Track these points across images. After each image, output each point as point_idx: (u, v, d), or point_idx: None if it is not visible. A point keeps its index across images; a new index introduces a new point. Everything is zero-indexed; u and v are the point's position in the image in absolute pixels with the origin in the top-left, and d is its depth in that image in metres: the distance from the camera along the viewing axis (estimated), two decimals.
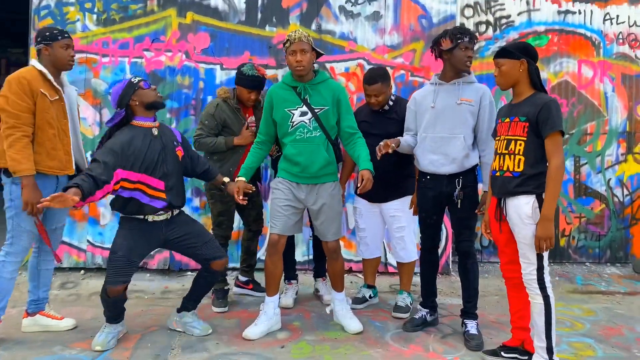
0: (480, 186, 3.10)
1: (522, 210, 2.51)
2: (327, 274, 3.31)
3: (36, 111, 2.71)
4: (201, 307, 3.22)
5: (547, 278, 2.52)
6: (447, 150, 3.01)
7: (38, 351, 2.73)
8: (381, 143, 3.00)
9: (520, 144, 2.53)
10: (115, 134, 2.76)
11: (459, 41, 3.00)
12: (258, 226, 3.73)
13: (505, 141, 2.60)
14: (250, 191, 3.02)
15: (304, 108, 3.01)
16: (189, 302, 3.03)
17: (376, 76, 3.32)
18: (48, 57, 2.81)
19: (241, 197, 2.94)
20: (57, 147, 2.79)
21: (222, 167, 3.36)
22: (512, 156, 2.56)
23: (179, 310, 3.06)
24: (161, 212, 2.80)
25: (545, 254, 2.51)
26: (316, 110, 3.02)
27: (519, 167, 2.53)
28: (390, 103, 3.43)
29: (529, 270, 2.53)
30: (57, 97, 2.81)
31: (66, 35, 2.85)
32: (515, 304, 2.73)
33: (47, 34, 2.81)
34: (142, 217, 2.77)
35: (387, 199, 3.41)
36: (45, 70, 2.77)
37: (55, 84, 2.80)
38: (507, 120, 2.62)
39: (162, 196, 2.78)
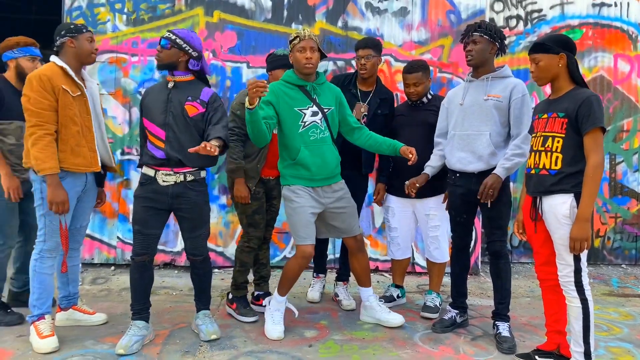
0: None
1: (558, 209, 2.42)
2: (353, 273, 3.24)
3: (59, 108, 2.70)
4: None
5: (586, 280, 2.42)
6: (474, 147, 2.95)
7: (70, 345, 2.78)
8: (407, 183, 3.14)
9: (558, 141, 2.44)
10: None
11: (463, 41, 3.03)
12: (268, 233, 3.43)
13: (542, 138, 2.51)
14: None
15: (315, 108, 2.97)
16: (196, 302, 3.01)
17: (417, 65, 3.34)
18: (73, 50, 2.80)
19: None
20: (81, 143, 2.77)
21: (250, 164, 3.20)
22: (549, 153, 2.47)
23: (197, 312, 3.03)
24: (170, 170, 2.77)
25: (583, 256, 2.42)
26: (325, 111, 3.00)
27: (556, 164, 2.44)
28: (429, 97, 3.42)
29: (565, 272, 2.44)
30: (79, 93, 2.78)
31: (89, 29, 2.88)
32: (551, 306, 2.63)
33: (72, 26, 2.82)
34: (152, 174, 2.78)
35: (423, 195, 3.34)
36: (66, 66, 2.75)
37: (76, 79, 2.77)
38: (545, 116, 2.53)
39: (161, 145, 2.77)
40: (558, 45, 2.47)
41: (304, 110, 2.95)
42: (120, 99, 4.37)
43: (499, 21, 4.80)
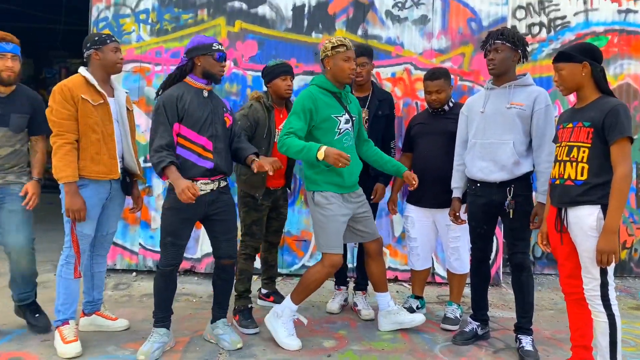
0: (534, 195, 2.96)
1: (585, 221, 2.38)
2: (370, 279, 3.23)
3: (79, 117, 2.76)
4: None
5: (612, 295, 2.37)
6: (496, 156, 2.90)
7: (92, 350, 2.82)
8: (450, 217, 3.18)
9: (584, 151, 2.40)
10: (168, 90, 2.78)
11: (484, 49, 2.99)
12: (277, 238, 3.57)
13: (567, 148, 2.46)
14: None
15: (347, 115, 3.01)
16: (215, 309, 2.99)
17: (438, 73, 3.33)
18: (99, 62, 2.86)
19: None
20: (101, 151, 2.81)
21: (256, 175, 3.17)
22: (574, 163, 2.42)
23: (212, 322, 3.01)
24: (208, 179, 2.77)
25: (610, 270, 2.36)
26: (353, 119, 3.06)
27: (582, 175, 2.39)
28: (450, 104, 3.40)
29: (591, 286, 2.39)
30: (102, 101, 2.83)
31: (114, 39, 2.92)
32: (576, 320, 2.57)
33: (97, 38, 2.88)
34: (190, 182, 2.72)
35: (443, 205, 3.31)
36: (89, 76, 2.82)
37: (99, 88, 2.82)
38: (570, 125, 2.49)
39: (210, 157, 2.76)
40: (582, 54, 2.43)
41: (339, 118, 2.98)
42: (144, 108, 4.45)
43: (522, 28, 4.74)
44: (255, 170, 2.81)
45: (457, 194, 3.17)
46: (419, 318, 3.19)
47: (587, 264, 2.39)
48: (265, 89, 3.43)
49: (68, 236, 2.84)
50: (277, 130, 3.30)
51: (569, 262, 2.54)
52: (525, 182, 2.93)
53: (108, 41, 2.88)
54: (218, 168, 2.79)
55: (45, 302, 3.23)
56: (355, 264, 3.87)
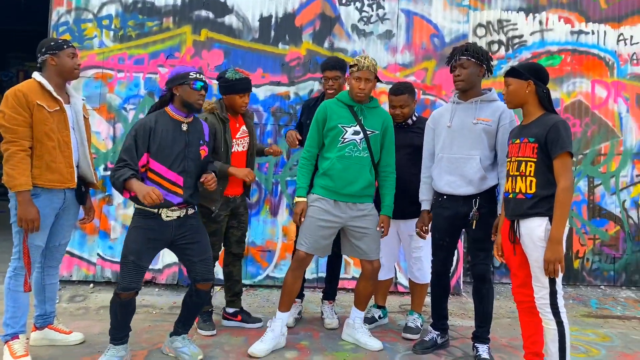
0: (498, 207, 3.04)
1: (534, 232, 2.47)
2: (355, 292, 3.26)
3: (33, 123, 2.66)
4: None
5: (561, 303, 2.47)
6: (463, 171, 2.95)
7: None
8: (417, 230, 3.20)
9: (530, 165, 2.51)
10: (150, 114, 2.77)
11: (450, 65, 3.05)
12: (240, 249, 3.45)
13: (517, 163, 2.58)
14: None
15: (357, 128, 3.06)
16: (179, 325, 2.93)
17: (403, 87, 3.39)
18: (54, 67, 2.78)
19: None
20: (57, 159, 2.72)
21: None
22: (524, 178, 2.53)
23: (171, 335, 2.96)
24: (175, 208, 2.74)
25: (559, 279, 2.46)
26: (368, 133, 3.07)
27: (531, 188, 2.51)
28: (414, 118, 3.45)
29: (541, 294, 2.48)
30: (58, 108, 2.75)
31: (71, 44, 2.84)
32: (528, 328, 2.66)
33: (53, 43, 2.79)
34: (155, 211, 2.69)
35: (407, 216, 3.36)
36: (44, 82, 2.73)
37: (55, 94, 2.74)
38: (518, 141, 2.60)
39: (179, 192, 2.73)
40: (529, 73, 2.58)
41: (346, 128, 3.05)
42: (105, 115, 4.35)
43: (482, 46, 4.91)
44: (207, 188, 2.80)
45: (426, 206, 3.19)
46: (373, 345, 3.14)
47: (537, 273, 2.49)
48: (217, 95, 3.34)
49: (17, 247, 2.74)
50: (233, 139, 3.27)
51: (521, 272, 2.63)
52: (490, 195, 2.99)
53: (65, 46, 2.80)
54: (186, 201, 2.77)
55: None
56: (320, 274, 3.90)
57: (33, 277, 2.88)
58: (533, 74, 2.58)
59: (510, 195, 2.60)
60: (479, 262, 3.00)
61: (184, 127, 2.78)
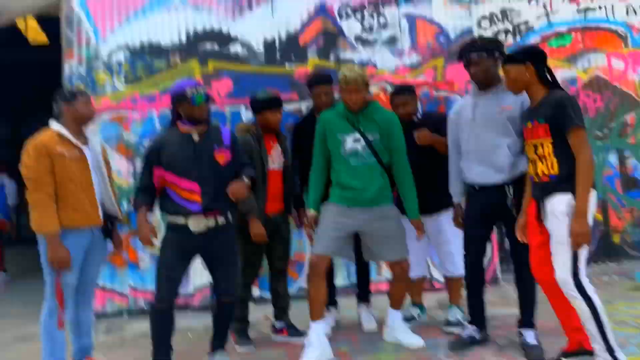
0: None
1: (557, 207, 2.42)
2: (389, 293, 3.22)
3: (55, 170, 2.77)
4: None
5: (585, 280, 2.36)
6: (493, 160, 2.89)
7: None
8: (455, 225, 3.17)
9: (547, 146, 2.47)
10: (160, 134, 2.96)
11: (466, 59, 2.99)
12: (282, 265, 3.45)
13: (533, 146, 2.54)
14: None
15: (357, 135, 3.05)
16: (214, 341, 2.94)
17: (401, 88, 3.48)
18: (71, 115, 2.90)
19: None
20: (80, 199, 2.82)
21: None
22: (543, 159, 2.49)
23: (209, 354, 2.96)
24: (201, 216, 2.75)
25: (582, 257, 2.36)
26: (369, 137, 3.05)
27: (553, 169, 2.46)
28: (419, 116, 3.47)
29: (563, 274, 2.38)
30: (77, 152, 2.86)
31: (85, 93, 3.00)
32: (557, 303, 2.57)
33: (67, 93, 2.94)
34: (183, 221, 2.75)
35: (433, 211, 3.32)
36: (62, 131, 2.84)
37: (73, 140, 2.85)
38: (530, 124, 2.57)
39: (197, 199, 2.75)
40: (524, 56, 2.55)
41: (345, 137, 3.04)
42: (124, 152, 4.45)
43: (488, 36, 4.86)
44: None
45: (457, 199, 3.15)
46: (414, 343, 3.07)
47: (558, 250, 2.40)
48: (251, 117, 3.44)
49: (50, 287, 2.80)
50: (268, 156, 3.34)
51: (542, 250, 2.54)
52: (523, 183, 2.85)
53: (79, 95, 2.93)
54: (208, 208, 2.77)
55: (33, 356, 3.10)
56: (352, 279, 3.87)
57: (67, 314, 2.93)
58: (529, 56, 2.55)
59: (536, 179, 2.55)
60: (523, 249, 2.84)
61: (195, 138, 2.83)
